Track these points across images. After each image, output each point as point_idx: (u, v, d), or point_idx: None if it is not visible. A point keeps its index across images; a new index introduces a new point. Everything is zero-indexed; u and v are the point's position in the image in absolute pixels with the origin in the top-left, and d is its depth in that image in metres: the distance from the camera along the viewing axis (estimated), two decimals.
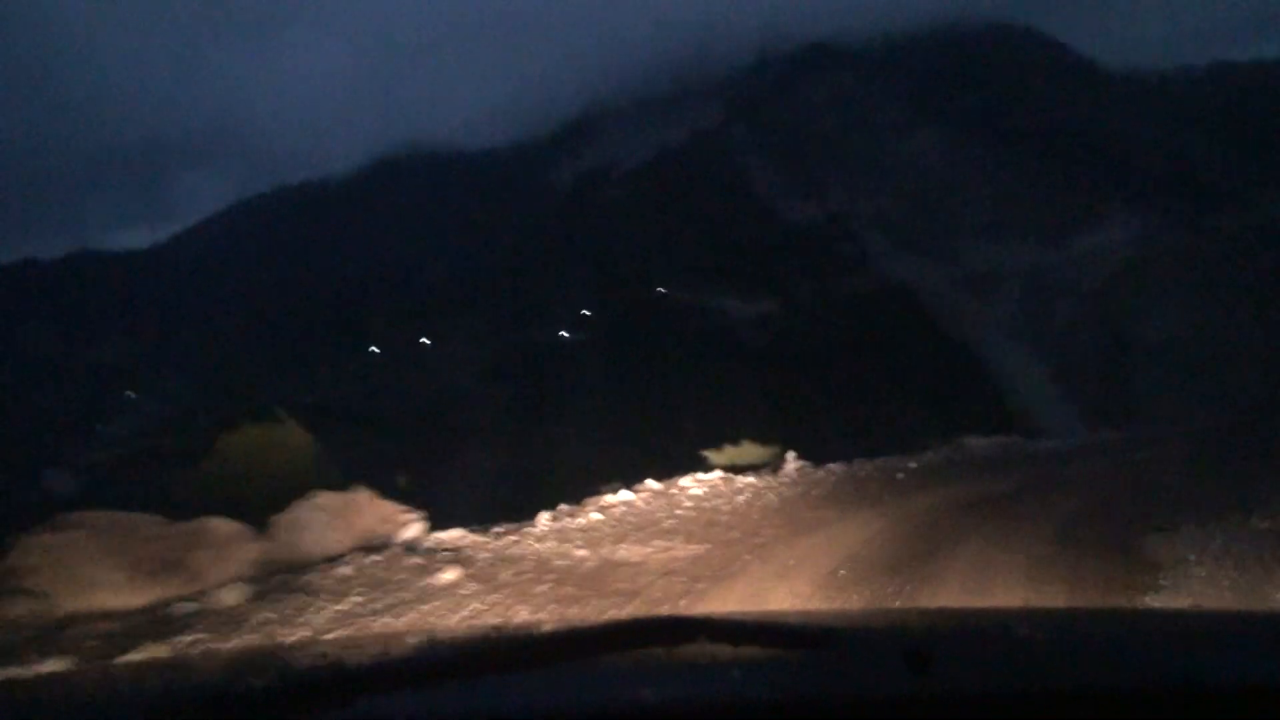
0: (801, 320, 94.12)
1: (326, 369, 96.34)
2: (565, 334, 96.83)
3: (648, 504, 12.49)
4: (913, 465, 16.91)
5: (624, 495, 12.81)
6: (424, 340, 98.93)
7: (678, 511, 11.87)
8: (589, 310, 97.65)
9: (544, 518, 11.50)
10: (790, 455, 17.11)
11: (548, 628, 2.43)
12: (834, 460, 17.48)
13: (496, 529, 10.91)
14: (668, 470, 15.87)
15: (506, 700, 1.30)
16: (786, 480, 15.37)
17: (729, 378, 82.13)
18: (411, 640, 2.89)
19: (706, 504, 12.60)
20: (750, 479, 15.01)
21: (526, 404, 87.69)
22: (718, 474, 15.14)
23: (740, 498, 13.22)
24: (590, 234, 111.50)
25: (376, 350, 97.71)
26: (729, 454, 18.53)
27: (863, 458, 17.59)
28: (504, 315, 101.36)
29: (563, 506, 12.26)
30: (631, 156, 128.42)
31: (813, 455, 18.02)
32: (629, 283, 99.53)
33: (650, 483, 14.14)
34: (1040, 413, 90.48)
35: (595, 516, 11.50)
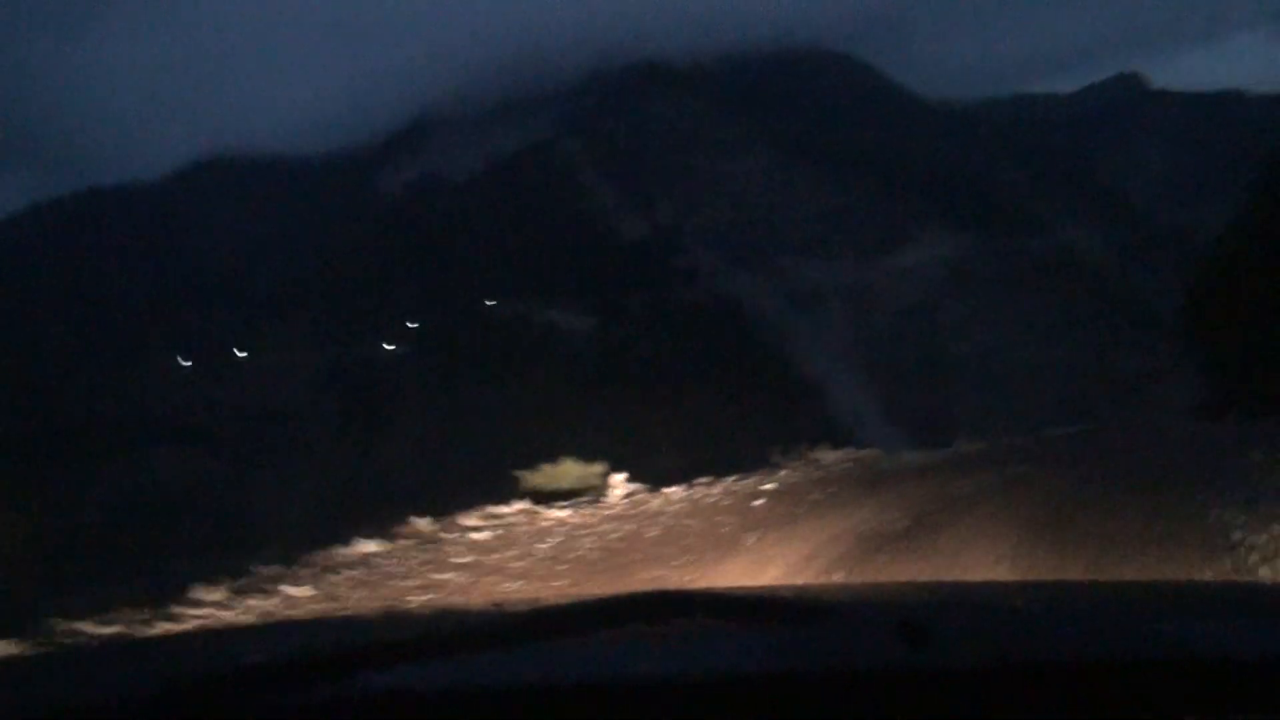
0: (632, 333, 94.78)
1: (135, 381, 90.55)
2: (390, 346, 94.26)
3: (400, 561, 9.31)
4: (769, 486, 12.70)
5: (368, 546, 9.83)
6: (239, 352, 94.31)
7: (437, 575, 8.71)
8: (415, 322, 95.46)
9: (208, 592, 8.00)
10: (618, 478, 14.02)
11: (542, 603, 2.32)
12: (671, 481, 13.96)
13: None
14: (478, 493, 12.96)
15: (499, 674, 1.31)
16: (611, 513, 11.68)
17: (559, 391, 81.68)
18: (405, 615, 2.95)
19: (489, 558, 9.30)
20: (563, 512, 11.70)
21: (346, 419, 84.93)
22: (520, 505, 11.93)
23: (543, 545, 9.91)
24: (419, 244, 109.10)
25: (187, 363, 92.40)
26: (546, 474, 14.30)
27: (706, 476, 13.91)
28: (327, 327, 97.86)
29: (263, 570, 8.94)
30: (462, 166, 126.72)
31: (647, 474, 15.02)
32: (458, 294, 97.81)
33: (418, 522, 10.96)
34: (861, 423, 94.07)
35: (292, 591, 8.11)
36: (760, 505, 11.27)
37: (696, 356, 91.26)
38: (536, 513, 11.80)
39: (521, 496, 12.78)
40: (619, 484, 13.95)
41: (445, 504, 12.34)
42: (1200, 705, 1.13)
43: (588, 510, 12.09)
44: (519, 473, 15.28)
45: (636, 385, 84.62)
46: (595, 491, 13.49)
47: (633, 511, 11.79)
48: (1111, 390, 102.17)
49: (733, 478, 13.76)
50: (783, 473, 14.38)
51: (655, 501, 12.47)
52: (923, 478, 13.01)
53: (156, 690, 1.20)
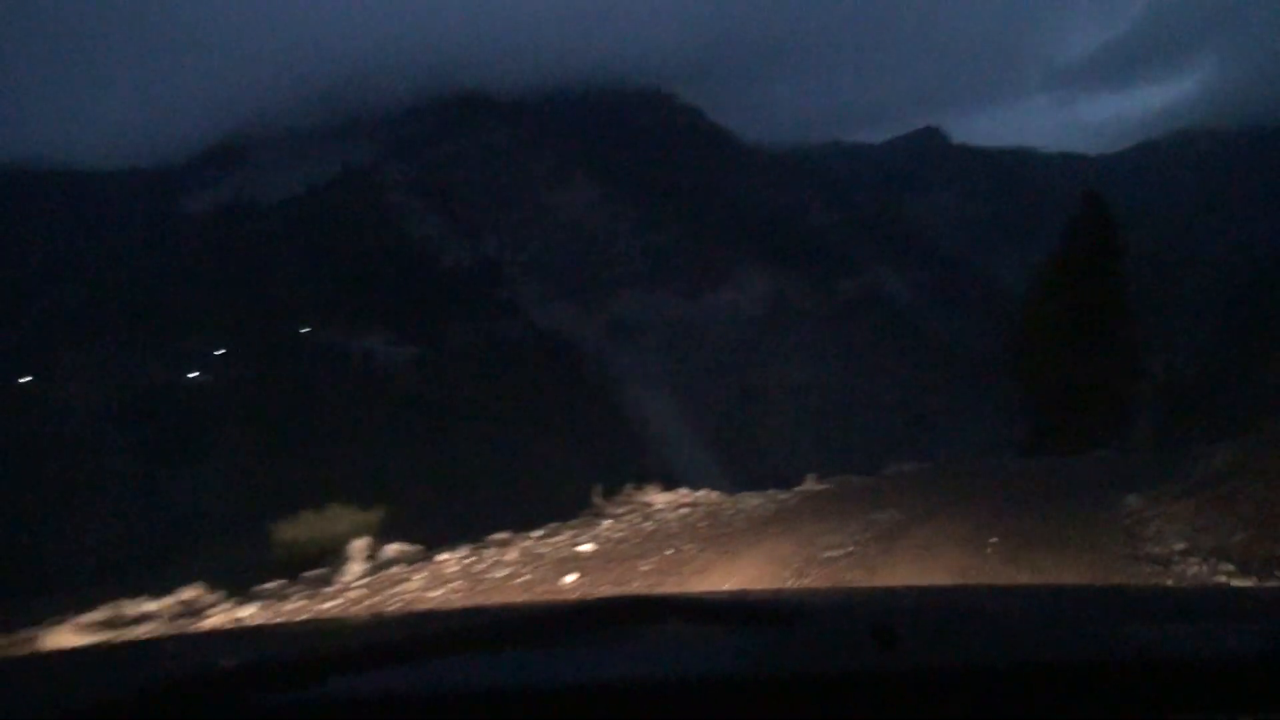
0: (453, 364, 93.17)
1: None
2: (196, 374, 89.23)
3: None
4: (587, 548, 9.10)
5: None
6: (24, 379, 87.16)
7: None
8: (223, 349, 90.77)
9: None
10: (389, 549, 9.38)
11: (517, 608, 2.53)
12: (459, 538, 10.05)
13: None
14: (212, 555, 9.55)
15: (474, 679, 1.31)
16: (331, 605, 7.44)
17: (368, 422, 79.15)
18: (382, 620, 2.99)
19: None
20: (253, 606, 7.29)
21: (136, 454, 79.52)
22: (193, 592, 7.56)
23: None
24: (230, 268, 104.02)
25: None
26: (305, 526, 10.26)
27: (504, 531, 10.18)
28: (126, 353, 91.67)
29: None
30: (278, 189, 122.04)
31: (435, 525, 12.57)
32: (270, 321, 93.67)
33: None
34: (679, 458, 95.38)
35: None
36: (572, 583, 7.52)
37: (519, 389, 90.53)
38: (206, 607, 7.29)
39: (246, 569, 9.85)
40: (382, 549, 9.35)
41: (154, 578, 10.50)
42: (1167, 707, 1.14)
43: (302, 599, 7.64)
44: (279, 524, 13.11)
45: (453, 418, 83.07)
46: (334, 560, 9.06)
47: (369, 598, 7.59)
48: (921, 426, 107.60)
49: (540, 532, 10.19)
50: (605, 524, 10.71)
51: (415, 579, 8.17)
52: (780, 528, 9.71)
53: (132, 695, 1.19)
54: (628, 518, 11.24)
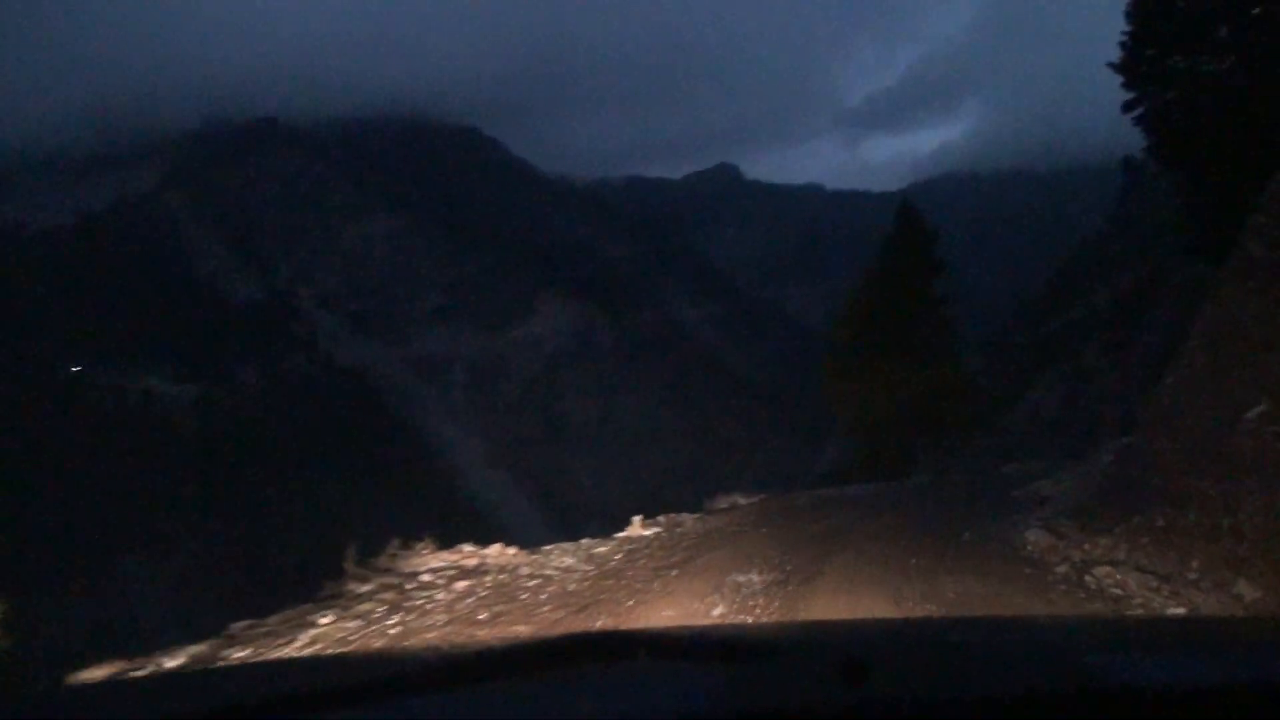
0: (242, 404, 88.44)
1: None
2: None
3: None
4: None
5: None
6: None
7: None
8: None
9: None
10: None
11: (487, 644, 2.42)
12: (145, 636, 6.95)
13: None
14: None
15: (444, 716, 1.31)
16: None
17: (141, 470, 73.50)
18: (348, 659, 2.92)
19: None
20: None
21: None
22: None
23: None
24: None
25: None
26: None
27: (202, 642, 6.36)
28: None
29: None
30: (45, 217, 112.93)
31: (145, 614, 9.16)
32: (36, 358, 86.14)
33: None
34: (488, 495, 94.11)
35: None
36: None
37: (315, 429, 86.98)
38: None
39: None
40: None
41: None
42: None
43: None
44: None
45: (234, 464, 78.49)
46: None
47: None
48: (726, 455, 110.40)
49: (244, 623, 6.65)
50: (326, 620, 6.69)
51: None
52: (603, 614, 6.59)
53: None
54: (379, 598, 7.44)
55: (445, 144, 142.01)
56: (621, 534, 11.26)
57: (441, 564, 9.02)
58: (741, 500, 15.14)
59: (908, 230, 32.04)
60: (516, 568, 9.01)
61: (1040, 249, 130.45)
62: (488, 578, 8.41)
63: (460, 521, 77.08)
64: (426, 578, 8.44)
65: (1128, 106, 18.02)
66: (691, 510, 13.73)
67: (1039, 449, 44.04)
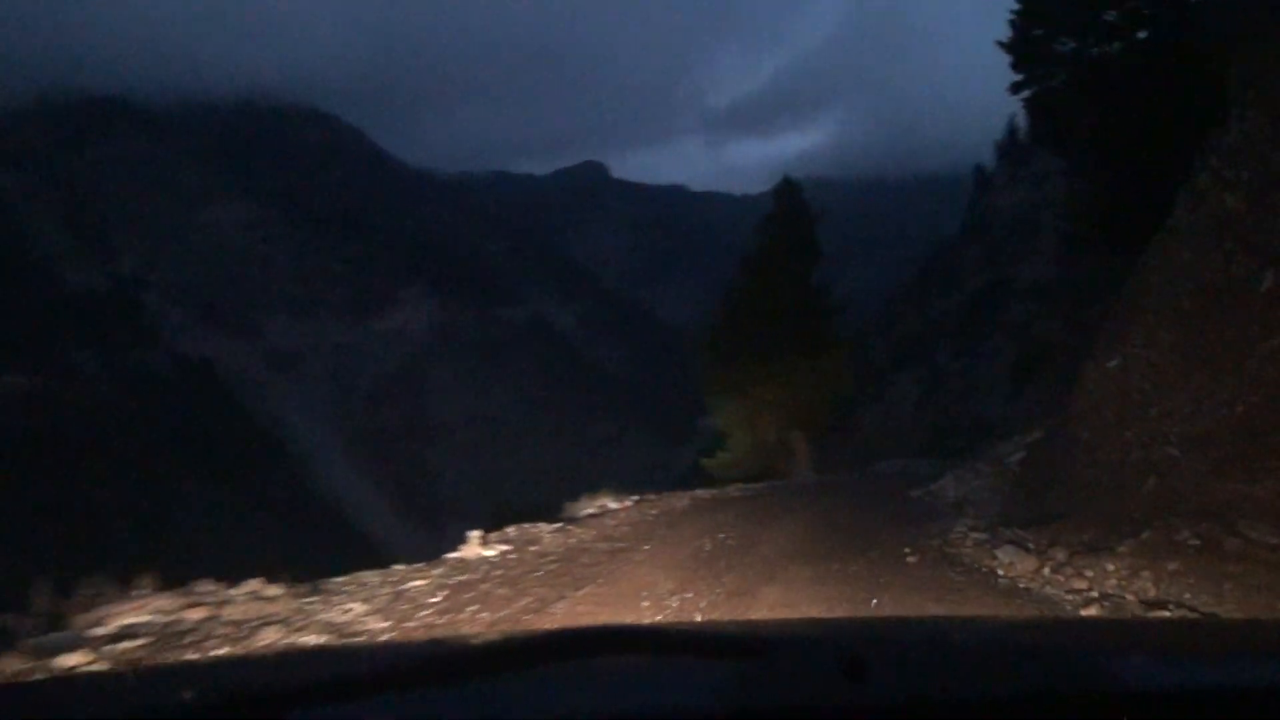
0: (78, 397, 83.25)
1: None
2: None
3: None
4: None
5: None
6: None
7: None
8: None
9: None
10: None
11: (486, 639, 2.42)
12: None
13: None
14: None
15: (442, 711, 1.31)
16: None
17: None
18: (344, 652, 2.88)
19: None
20: None
21: None
22: None
23: None
24: None
25: None
26: None
27: None
28: None
29: None
30: None
31: None
32: None
33: None
34: (346, 494, 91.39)
35: None
36: None
37: (153, 425, 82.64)
38: None
39: None
40: None
41: None
42: None
43: None
44: None
45: (74, 459, 73.83)
46: None
47: None
48: (592, 453, 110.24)
49: None
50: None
51: None
52: None
53: None
54: None
55: (304, 130, 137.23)
56: (455, 553, 8.84)
57: (146, 618, 5.94)
58: (611, 504, 13.39)
59: (788, 210, 30.13)
60: (261, 624, 5.92)
61: (898, 254, 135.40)
62: (209, 643, 5.54)
63: (311, 524, 74.61)
64: (73, 659, 5.11)
65: (1016, 88, 17.90)
66: (553, 514, 12.05)
67: (898, 448, 45.58)
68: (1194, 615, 5.32)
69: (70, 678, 2.71)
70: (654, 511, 12.40)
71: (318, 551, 60.81)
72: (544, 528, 10.51)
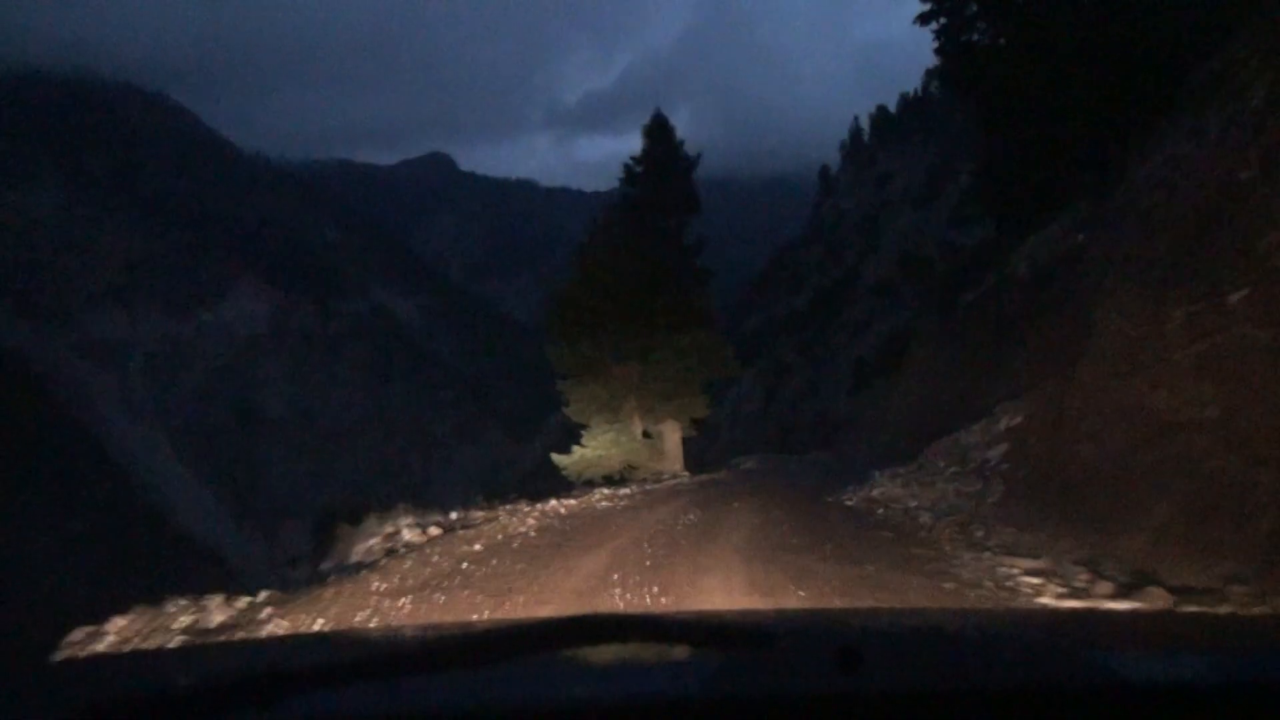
0: None
1: None
2: None
3: None
4: None
5: None
6: None
7: None
8: None
9: None
10: None
11: (479, 626, 2.47)
12: None
13: None
14: None
15: (433, 699, 1.32)
16: None
17: None
18: (338, 639, 2.91)
19: None
20: None
21: None
22: None
23: None
24: None
25: None
26: None
27: None
28: None
29: None
30: None
31: None
32: None
33: None
34: (172, 495, 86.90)
35: None
36: None
37: None
38: None
39: None
40: None
41: None
42: None
43: None
44: None
45: None
46: None
47: None
48: (432, 450, 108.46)
49: None
50: None
51: None
52: None
53: (77, 715, 1.18)
54: None
55: (128, 108, 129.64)
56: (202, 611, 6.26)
57: None
58: (408, 532, 9.39)
59: (661, 153, 25.34)
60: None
61: (745, 253, 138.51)
62: None
63: (130, 530, 70.57)
64: None
65: (924, 18, 16.46)
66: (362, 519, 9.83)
67: (748, 445, 46.59)
68: (1190, 610, 5.11)
69: (68, 668, 2.63)
70: (472, 549, 8.10)
71: (136, 561, 57.89)
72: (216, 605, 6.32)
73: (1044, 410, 9.32)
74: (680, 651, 1.54)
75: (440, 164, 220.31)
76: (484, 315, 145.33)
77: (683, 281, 24.42)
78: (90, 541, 63.50)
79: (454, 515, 10.66)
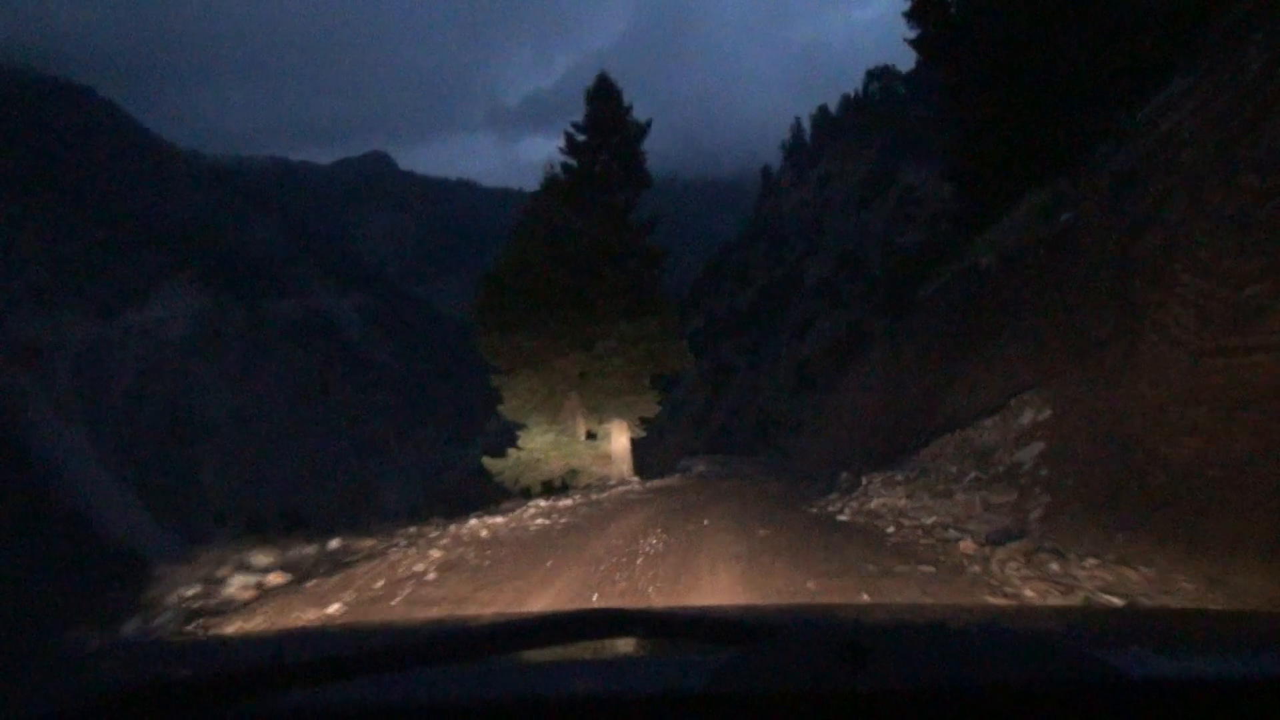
0: None
1: None
2: None
3: None
4: None
5: None
6: None
7: None
8: None
9: None
10: None
11: (481, 621, 2.38)
12: None
13: None
14: None
15: (436, 692, 1.32)
16: None
17: None
18: (346, 632, 2.91)
19: None
20: None
21: None
22: None
23: None
24: None
25: None
26: None
27: None
28: None
29: None
30: None
31: None
32: None
33: None
34: (99, 502, 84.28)
35: None
36: None
37: None
38: None
39: None
40: None
41: None
42: None
43: None
44: None
45: None
46: None
47: None
48: (368, 452, 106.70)
49: None
50: None
51: None
52: None
53: (89, 704, 1.19)
54: None
55: (52, 102, 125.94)
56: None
57: None
58: (238, 585, 6.90)
59: (606, 118, 22.47)
60: None
61: (687, 256, 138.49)
62: None
63: (52, 539, 68.17)
64: None
65: None
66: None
67: (693, 446, 46.21)
68: (1194, 606, 4.92)
69: (69, 661, 2.52)
70: (323, 612, 5.95)
71: (52, 565, 55.87)
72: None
73: (1082, 402, 8.02)
74: (685, 646, 1.56)
75: (379, 163, 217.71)
76: (423, 316, 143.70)
77: (629, 263, 22.03)
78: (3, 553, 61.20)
79: (333, 544, 8.48)
